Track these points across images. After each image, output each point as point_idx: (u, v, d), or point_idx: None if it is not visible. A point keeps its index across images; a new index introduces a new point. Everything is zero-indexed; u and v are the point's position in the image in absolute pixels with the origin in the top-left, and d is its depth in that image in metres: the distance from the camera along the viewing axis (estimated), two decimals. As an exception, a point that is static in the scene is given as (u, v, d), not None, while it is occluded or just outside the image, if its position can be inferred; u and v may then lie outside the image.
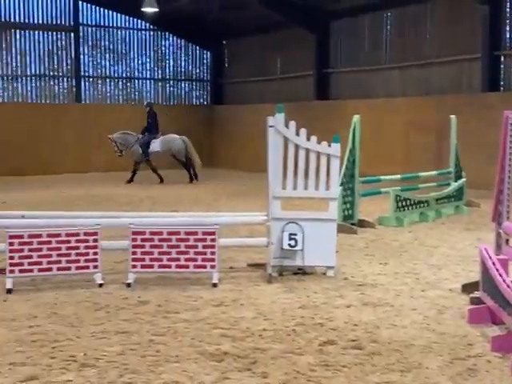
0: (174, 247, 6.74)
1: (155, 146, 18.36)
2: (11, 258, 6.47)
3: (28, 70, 22.63)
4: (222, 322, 5.38)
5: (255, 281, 6.84)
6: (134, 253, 6.73)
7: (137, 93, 24.50)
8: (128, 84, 24.29)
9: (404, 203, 10.81)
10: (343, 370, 4.37)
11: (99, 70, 23.79)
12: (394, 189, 10.80)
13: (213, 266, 6.73)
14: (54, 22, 22.87)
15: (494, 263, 5.21)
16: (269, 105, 18.81)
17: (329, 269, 7.06)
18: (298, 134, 7.12)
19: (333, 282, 6.77)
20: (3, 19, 22.01)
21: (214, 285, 6.59)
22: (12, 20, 22.19)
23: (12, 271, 6.46)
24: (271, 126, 7.11)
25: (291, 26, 21.01)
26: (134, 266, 6.72)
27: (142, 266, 6.74)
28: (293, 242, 6.96)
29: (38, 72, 22.77)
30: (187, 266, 6.76)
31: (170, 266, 6.76)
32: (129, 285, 6.56)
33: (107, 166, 21.64)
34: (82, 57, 23.35)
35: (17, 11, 22.25)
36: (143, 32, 24.35)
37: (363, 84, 19.53)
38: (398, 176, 11.85)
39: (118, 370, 4.30)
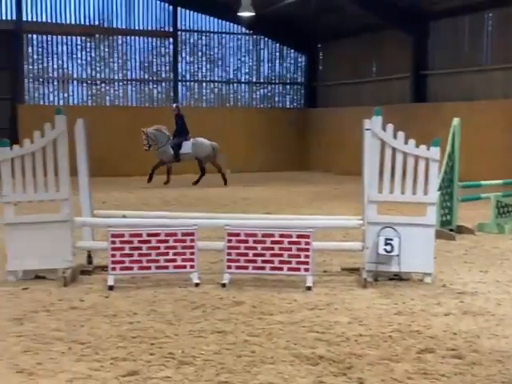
0: (268, 249, 6.78)
1: (187, 148, 18.64)
2: (113, 255, 6.72)
3: (129, 74, 23.43)
4: (317, 325, 5.36)
5: (350, 285, 6.78)
6: (229, 254, 6.83)
7: (232, 96, 24.85)
8: (224, 88, 24.68)
9: (506, 209, 10.41)
10: (442, 379, 4.25)
11: (196, 74, 24.31)
12: (495, 194, 10.42)
13: (307, 269, 6.73)
14: (155, 28, 23.57)
15: None
16: (364, 107, 18.62)
17: (426, 275, 6.89)
18: (395, 137, 7.00)
19: (430, 289, 6.60)
20: (107, 25, 22.90)
21: (308, 288, 6.57)
22: (115, 26, 23.05)
23: (114, 269, 6.70)
24: (368, 129, 7.03)
25: (387, 28, 20.72)
26: (229, 267, 6.81)
27: (237, 267, 6.82)
28: (389, 247, 6.83)
29: (138, 77, 23.52)
30: (281, 269, 6.79)
31: (264, 268, 6.81)
32: (224, 285, 6.65)
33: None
34: (179, 61, 23.94)
35: (119, 18, 23.09)
36: (239, 36, 24.68)
37: (462, 86, 18.97)
38: (500, 181, 11.41)
39: (215, 369, 4.36)
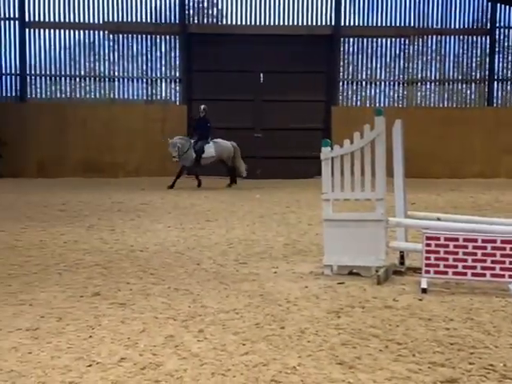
0: None
1: (210, 151, 17.51)
2: (427, 258, 6.64)
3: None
4: None
5: None
6: (555, 266, 6.28)
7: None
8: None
9: None
10: None
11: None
12: None
13: None
14: (469, 27, 22.83)
15: None
16: None
17: None
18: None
19: None
20: (421, 26, 22.80)
21: None
22: (429, 26, 22.85)
23: (427, 271, 6.61)
24: None
25: None
26: (555, 281, 6.27)
27: None
28: None
29: (451, 77, 23.02)
30: None
31: None
32: (547, 300, 6.14)
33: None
34: (495, 59, 22.84)
35: (434, 17, 22.84)
36: None
37: None
38: None
39: (542, 390, 4.04)
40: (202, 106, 19.11)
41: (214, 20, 23.18)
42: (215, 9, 23.48)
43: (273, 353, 4.62)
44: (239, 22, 22.86)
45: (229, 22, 23.02)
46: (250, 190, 17.88)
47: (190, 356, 4.56)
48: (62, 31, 23.26)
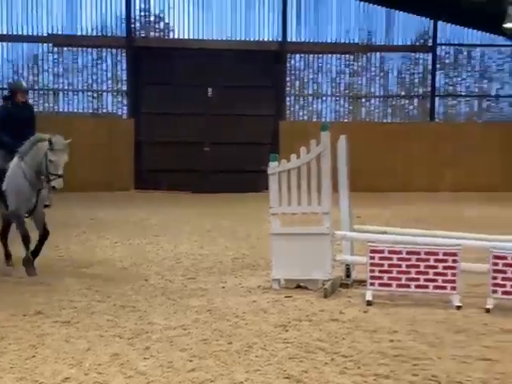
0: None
1: None
2: (372, 271, 6.74)
3: (384, 90, 23.56)
4: None
5: None
6: (495, 277, 6.46)
7: (491, 111, 23.68)
8: (482, 102, 23.62)
9: None
10: None
11: (455, 89, 23.59)
12: None
13: None
14: (412, 43, 23.40)
15: None
16: None
17: None
18: None
19: None
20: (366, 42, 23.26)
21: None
22: (373, 43, 23.31)
23: (372, 284, 6.72)
24: None
25: None
26: (495, 292, 6.45)
27: (504, 293, 6.43)
28: None
29: (394, 92, 23.52)
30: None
31: None
32: (488, 310, 6.31)
33: (457, 185, 21.49)
34: (436, 76, 23.48)
35: (377, 34, 23.33)
36: (504, 49, 23.42)
37: None
38: None
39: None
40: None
41: (161, 34, 23.15)
42: (162, 22, 23.45)
43: (220, 368, 4.62)
44: (187, 36, 22.87)
45: (176, 36, 23.01)
46: (199, 205, 17.84)
47: (136, 374, 4.51)
48: (5, 44, 22.84)
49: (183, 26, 23.52)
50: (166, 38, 23.45)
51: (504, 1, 19.33)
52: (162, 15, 23.50)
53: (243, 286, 7.40)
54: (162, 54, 22.72)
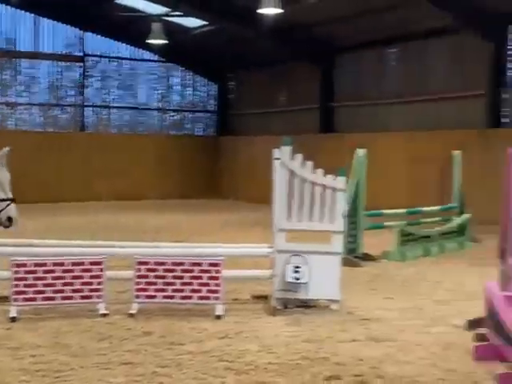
0: (178, 278, 6.74)
1: None
2: (16, 285, 6.48)
3: (34, 98, 22.88)
4: (227, 354, 5.36)
5: (259, 313, 6.82)
6: (138, 283, 6.74)
7: (142, 123, 24.70)
8: (134, 114, 24.50)
9: (408, 238, 10.80)
10: (348, 405, 4.34)
11: (105, 100, 24.01)
12: (399, 223, 10.81)
13: (217, 298, 6.73)
14: (63, 52, 23.16)
15: (499, 300, 5.20)
16: (274, 137, 18.92)
17: (333, 302, 7.03)
18: (303, 166, 7.15)
19: (337, 315, 6.74)
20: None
21: (218, 317, 6.56)
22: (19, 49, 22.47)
23: (16, 300, 6.45)
24: (277, 159, 7.15)
25: (297, 60, 21.27)
26: (138, 297, 6.72)
27: (146, 297, 6.74)
28: (297, 275, 6.95)
29: (44, 101, 22.99)
30: (191, 297, 6.76)
31: (173, 297, 6.76)
32: (132, 315, 6.55)
33: (110, 194, 21.95)
34: (88, 87, 23.62)
35: (25, 41, 22.56)
36: (150, 63, 24.60)
37: (368, 117, 19.67)
38: (403, 210, 11.83)
39: (122, 402, 4.27)
40: None
41: None
42: None
43: None
44: None
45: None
46: None
47: None
48: None
49: None
50: None
51: (149, 18, 20.38)
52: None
53: None
54: None
